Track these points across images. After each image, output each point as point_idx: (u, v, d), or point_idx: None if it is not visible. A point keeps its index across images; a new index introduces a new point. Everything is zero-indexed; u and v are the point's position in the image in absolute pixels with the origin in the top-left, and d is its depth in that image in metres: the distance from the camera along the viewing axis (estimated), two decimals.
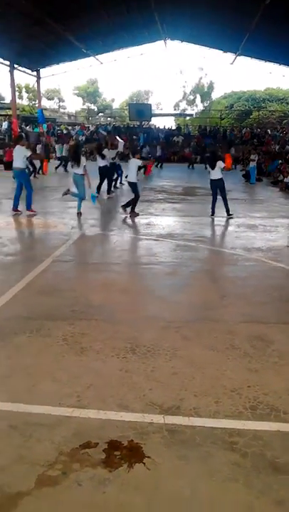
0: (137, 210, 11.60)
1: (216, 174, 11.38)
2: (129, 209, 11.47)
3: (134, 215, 11.28)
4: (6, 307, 5.05)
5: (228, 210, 11.41)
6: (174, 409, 3.15)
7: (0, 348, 4.04)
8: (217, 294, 5.71)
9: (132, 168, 11.58)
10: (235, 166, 27.03)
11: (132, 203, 11.43)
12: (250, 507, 2.32)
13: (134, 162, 11.65)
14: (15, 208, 11.36)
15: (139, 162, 12.07)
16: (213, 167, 11.31)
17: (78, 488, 2.41)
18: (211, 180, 11.63)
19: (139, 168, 12.63)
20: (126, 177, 13.76)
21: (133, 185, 11.45)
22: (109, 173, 14.98)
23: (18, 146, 11.61)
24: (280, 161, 22.30)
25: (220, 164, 11.22)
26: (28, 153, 11.77)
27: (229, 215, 11.33)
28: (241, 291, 5.83)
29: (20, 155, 11.35)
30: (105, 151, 14.59)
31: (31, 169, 18.20)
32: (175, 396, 3.31)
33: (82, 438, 2.81)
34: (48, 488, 2.41)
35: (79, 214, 11.32)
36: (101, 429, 2.91)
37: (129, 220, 10.90)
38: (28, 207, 11.38)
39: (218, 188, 11.49)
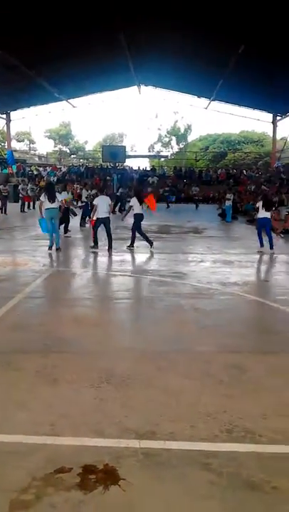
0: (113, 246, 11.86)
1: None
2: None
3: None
4: None
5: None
6: (150, 433, 3.13)
7: None
8: (192, 326, 5.75)
9: (102, 205, 11.67)
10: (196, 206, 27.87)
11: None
12: None
13: (103, 199, 11.84)
14: None
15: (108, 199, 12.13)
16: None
17: (52, 511, 2.37)
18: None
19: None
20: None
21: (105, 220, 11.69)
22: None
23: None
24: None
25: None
26: None
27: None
28: (217, 322, 5.88)
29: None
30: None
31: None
32: (150, 422, 3.30)
33: (56, 464, 2.77)
34: None
35: (59, 249, 11.51)
36: (75, 455, 2.87)
37: (101, 258, 10.94)
38: None
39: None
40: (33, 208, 22.15)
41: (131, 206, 12.40)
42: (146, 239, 12.09)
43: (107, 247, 11.68)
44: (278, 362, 4.58)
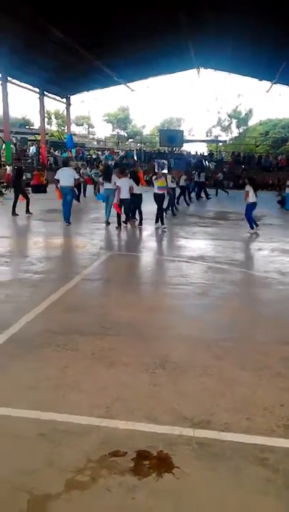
0: (169, 232, 12.15)
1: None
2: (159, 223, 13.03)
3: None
4: (35, 322, 5.09)
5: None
6: (204, 423, 3.11)
7: (28, 361, 4.06)
8: (249, 316, 5.65)
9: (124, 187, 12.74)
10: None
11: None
12: None
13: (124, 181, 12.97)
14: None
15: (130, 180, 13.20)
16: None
17: (107, 493, 2.41)
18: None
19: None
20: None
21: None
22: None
23: (67, 168, 13.74)
24: None
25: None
26: (77, 175, 13.82)
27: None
28: (274, 313, 5.75)
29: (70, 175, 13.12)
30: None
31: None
32: (205, 411, 3.27)
33: (110, 447, 2.80)
34: (77, 492, 2.41)
35: (107, 223, 13.20)
36: (130, 439, 2.89)
37: (158, 243, 10.95)
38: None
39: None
40: (95, 193, 22.07)
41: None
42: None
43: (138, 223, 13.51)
44: None
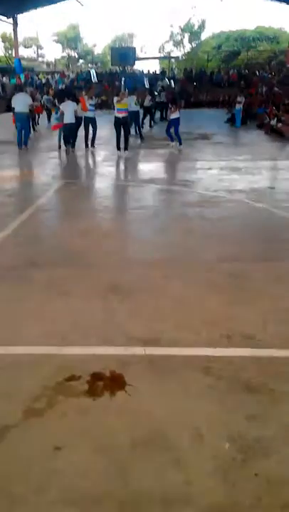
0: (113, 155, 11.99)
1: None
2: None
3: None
4: None
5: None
6: (155, 341, 3.28)
7: None
8: (198, 235, 5.79)
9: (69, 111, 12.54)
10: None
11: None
12: (223, 421, 2.48)
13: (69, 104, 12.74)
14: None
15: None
16: None
17: (63, 417, 2.55)
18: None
19: None
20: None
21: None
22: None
23: (21, 93, 13.70)
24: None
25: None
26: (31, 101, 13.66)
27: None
28: (222, 231, 5.91)
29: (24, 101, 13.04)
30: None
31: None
32: (156, 330, 3.43)
33: (65, 372, 2.92)
34: (35, 419, 2.54)
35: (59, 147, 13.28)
36: (84, 364, 3.03)
37: (107, 168, 10.83)
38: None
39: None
40: (48, 120, 21.00)
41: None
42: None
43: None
44: (282, 269, 4.63)
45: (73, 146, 13.20)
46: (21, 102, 12.95)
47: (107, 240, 5.65)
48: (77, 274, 4.56)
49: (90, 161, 11.97)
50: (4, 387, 2.82)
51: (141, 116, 17.12)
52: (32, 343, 3.31)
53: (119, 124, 12.12)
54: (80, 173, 10.67)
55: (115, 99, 12.07)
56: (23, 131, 13.18)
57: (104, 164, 11.28)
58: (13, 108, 13.06)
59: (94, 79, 35.66)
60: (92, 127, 13.16)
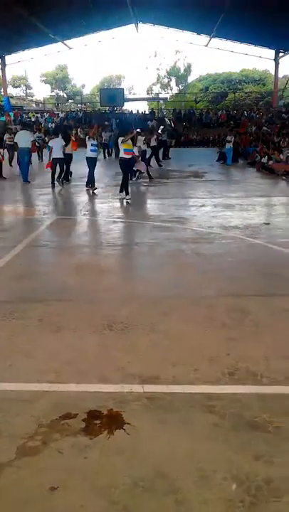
0: (108, 194, 12.00)
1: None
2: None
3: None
4: None
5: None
6: (153, 378, 3.17)
7: None
8: (194, 271, 5.73)
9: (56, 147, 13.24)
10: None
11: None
12: (229, 461, 2.35)
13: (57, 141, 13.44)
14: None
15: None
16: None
17: (59, 456, 2.42)
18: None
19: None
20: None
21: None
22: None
23: (23, 131, 15.08)
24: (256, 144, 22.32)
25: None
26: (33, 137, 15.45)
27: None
28: (219, 267, 5.86)
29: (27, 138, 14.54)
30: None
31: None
32: (154, 367, 3.33)
33: (61, 410, 2.80)
34: (29, 458, 2.40)
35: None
36: (80, 401, 2.91)
37: (100, 205, 10.84)
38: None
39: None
40: (40, 159, 21.26)
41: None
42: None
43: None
44: (281, 304, 4.57)
45: (67, 179, 13.75)
46: (24, 138, 14.39)
47: (102, 276, 5.57)
48: (71, 309, 4.48)
49: (84, 198, 11.99)
50: None
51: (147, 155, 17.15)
52: (25, 380, 3.19)
53: (128, 166, 11.45)
54: (73, 209, 10.64)
55: (120, 139, 11.36)
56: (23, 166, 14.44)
57: (97, 202, 11.30)
58: (16, 143, 14.56)
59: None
60: (90, 167, 12.59)
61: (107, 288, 5.12)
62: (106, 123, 34.99)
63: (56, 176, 13.42)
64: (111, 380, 3.15)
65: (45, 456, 2.42)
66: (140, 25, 38.27)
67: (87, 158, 12.43)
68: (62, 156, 13.26)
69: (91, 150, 12.30)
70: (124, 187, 11.24)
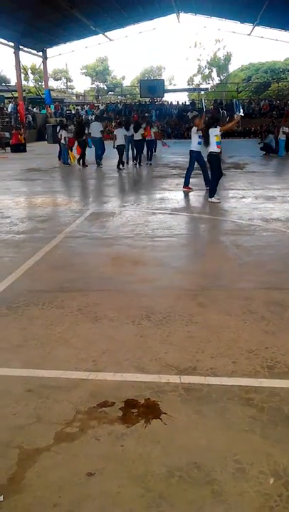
0: (149, 185, 11.91)
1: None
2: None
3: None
4: (19, 281, 5.06)
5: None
6: (190, 369, 3.15)
7: (13, 320, 4.05)
8: (234, 263, 5.66)
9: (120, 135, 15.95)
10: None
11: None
12: (266, 454, 2.32)
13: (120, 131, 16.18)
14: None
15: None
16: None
17: (96, 443, 2.44)
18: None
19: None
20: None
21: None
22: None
23: (95, 122, 17.70)
24: None
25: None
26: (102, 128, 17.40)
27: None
28: (258, 259, 5.77)
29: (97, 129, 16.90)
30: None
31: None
32: (191, 358, 3.31)
33: (99, 398, 2.83)
34: (67, 444, 2.44)
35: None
36: (117, 390, 2.92)
37: (140, 196, 10.85)
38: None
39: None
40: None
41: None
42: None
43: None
44: None
45: (139, 163, 17.30)
46: (96, 129, 16.86)
47: (140, 267, 5.57)
48: (109, 299, 4.50)
49: (120, 189, 12.01)
50: (36, 410, 2.74)
51: None
52: (63, 368, 3.23)
53: (218, 161, 10.10)
54: (111, 201, 10.67)
55: (194, 129, 10.66)
56: (98, 151, 16.83)
57: (135, 193, 11.31)
58: (90, 133, 16.98)
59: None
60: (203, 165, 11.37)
61: (145, 279, 5.13)
62: (146, 114, 34.99)
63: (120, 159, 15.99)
64: (148, 370, 3.16)
65: (82, 443, 2.45)
66: (181, 14, 37.90)
67: (194, 152, 11.00)
68: (124, 142, 15.98)
69: (198, 143, 10.75)
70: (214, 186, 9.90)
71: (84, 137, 16.97)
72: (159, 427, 2.56)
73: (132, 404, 2.76)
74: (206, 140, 9.73)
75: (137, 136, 16.73)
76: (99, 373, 3.14)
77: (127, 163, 17.48)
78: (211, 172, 10.10)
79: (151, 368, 3.18)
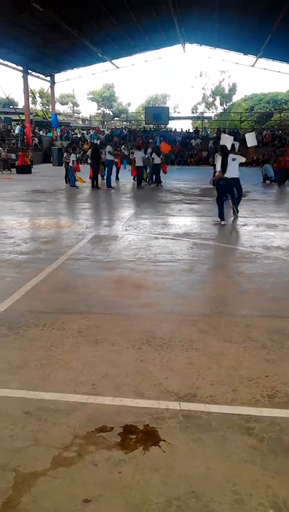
0: (152, 210, 12.02)
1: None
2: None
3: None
4: (20, 302, 5.06)
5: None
6: (190, 396, 3.13)
7: (13, 341, 4.04)
8: (234, 290, 5.67)
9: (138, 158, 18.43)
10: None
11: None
12: (266, 486, 2.29)
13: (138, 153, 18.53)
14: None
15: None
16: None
17: (94, 468, 2.41)
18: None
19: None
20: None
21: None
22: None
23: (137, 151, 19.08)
24: None
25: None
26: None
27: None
28: (259, 287, 5.78)
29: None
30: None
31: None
32: (191, 384, 3.29)
33: (97, 423, 2.81)
34: (64, 468, 2.41)
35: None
36: (116, 415, 2.90)
37: (143, 220, 10.91)
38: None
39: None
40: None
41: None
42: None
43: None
44: None
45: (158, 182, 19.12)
46: (139, 158, 18.18)
47: (142, 291, 5.58)
48: (110, 323, 4.49)
49: (123, 212, 12.08)
50: (33, 433, 2.71)
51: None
52: (62, 391, 3.21)
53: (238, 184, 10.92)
54: (113, 225, 10.72)
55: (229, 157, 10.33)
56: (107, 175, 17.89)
57: (137, 217, 11.37)
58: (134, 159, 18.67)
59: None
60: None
61: (146, 303, 5.12)
62: (150, 140, 35.45)
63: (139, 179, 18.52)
64: (148, 396, 3.14)
65: (79, 468, 2.42)
66: (187, 45, 38.73)
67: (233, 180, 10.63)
68: (142, 164, 18.18)
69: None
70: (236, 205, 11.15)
71: (98, 160, 17.64)
72: (157, 454, 2.53)
73: (131, 430, 2.74)
74: (224, 166, 10.10)
75: (157, 160, 18.67)
76: (98, 397, 3.12)
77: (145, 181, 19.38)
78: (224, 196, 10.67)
79: (150, 394, 3.16)
